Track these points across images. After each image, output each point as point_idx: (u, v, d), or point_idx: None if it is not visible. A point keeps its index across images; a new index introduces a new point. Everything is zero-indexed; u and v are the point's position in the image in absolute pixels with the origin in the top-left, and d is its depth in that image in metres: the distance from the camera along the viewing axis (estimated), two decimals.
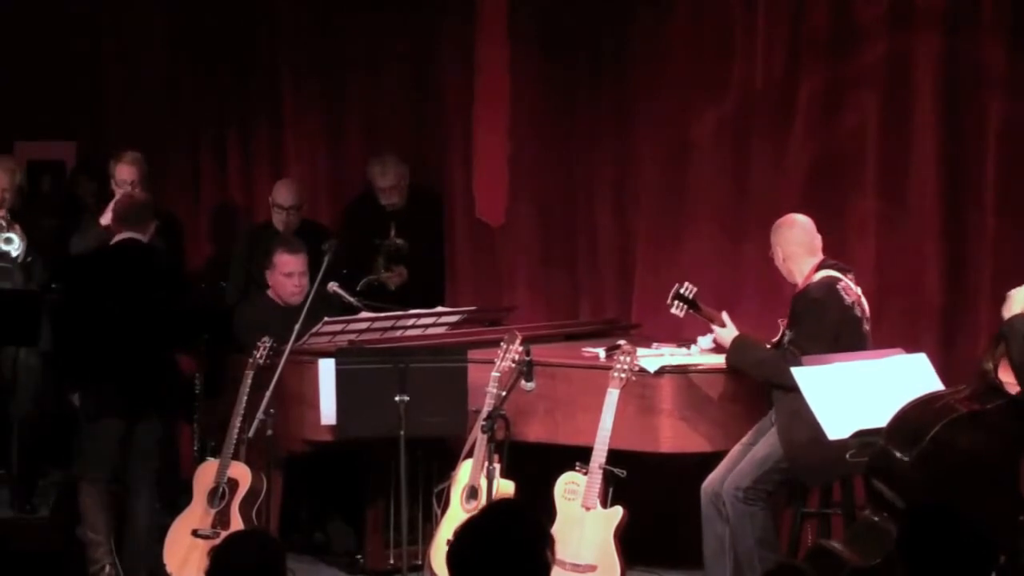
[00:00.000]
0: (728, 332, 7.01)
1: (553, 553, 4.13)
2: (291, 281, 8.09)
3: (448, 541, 4.44)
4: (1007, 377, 5.98)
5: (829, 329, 6.77)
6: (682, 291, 7.07)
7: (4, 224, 8.56)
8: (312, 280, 7.92)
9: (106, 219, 8.34)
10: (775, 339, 6.95)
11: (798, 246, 6.94)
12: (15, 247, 8.53)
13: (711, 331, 7.55)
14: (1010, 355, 5.93)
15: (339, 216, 9.50)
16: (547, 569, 4.08)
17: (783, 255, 6.96)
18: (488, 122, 8.95)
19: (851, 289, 6.88)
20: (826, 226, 7.13)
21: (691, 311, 7.10)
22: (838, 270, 6.91)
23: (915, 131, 7.67)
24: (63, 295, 7.85)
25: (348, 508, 7.99)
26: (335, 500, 8.07)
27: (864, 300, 6.92)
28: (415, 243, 8.98)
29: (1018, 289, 6.05)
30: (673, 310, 7.12)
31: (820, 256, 6.95)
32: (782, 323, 6.93)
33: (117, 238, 7.61)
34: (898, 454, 5.93)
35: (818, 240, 6.96)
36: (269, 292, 8.23)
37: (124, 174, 8.62)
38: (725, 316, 7.05)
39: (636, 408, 7.16)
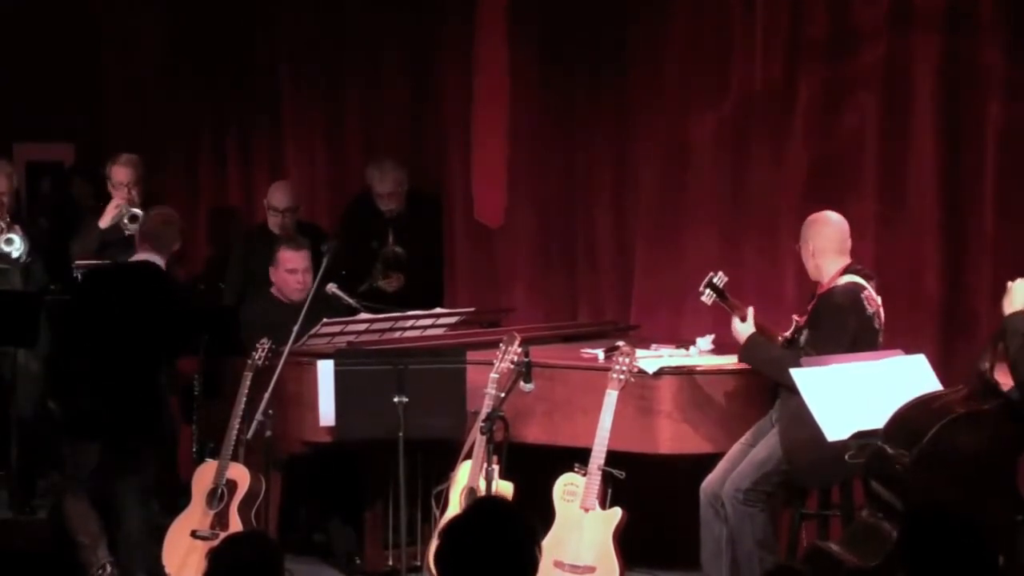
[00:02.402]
0: (745, 328, 6.98)
1: (540, 549, 4.13)
2: (294, 277, 8.14)
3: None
4: (1003, 377, 5.98)
5: (848, 335, 6.75)
6: (715, 280, 7.06)
7: (3, 226, 8.56)
8: (312, 281, 7.93)
9: (105, 221, 8.34)
10: (787, 333, 6.94)
11: (829, 243, 6.92)
12: (16, 247, 8.54)
13: (712, 332, 7.57)
14: (1008, 351, 5.92)
15: (338, 217, 9.50)
16: (535, 565, 4.08)
17: (812, 249, 6.93)
18: (487, 124, 8.95)
19: (873, 299, 6.86)
20: None
21: (719, 300, 7.08)
22: (862, 276, 6.89)
23: (914, 132, 7.67)
24: (68, 304, 7.83)
25: (347, 509, 7.98)
26: (334, 501, 8.06)
27: (882, 311, 6.90)
28: (414, 245, 8.98)
29: (1019, 281, 6.04)
30: (703, 298, 7.09)
31: (848, 259, 6.94)
32: (796, 319, 6.92)
33: (135, 258, 7.60)
34: (896, 455, 5.92)
35: (848, 242, 6.94)
36: (272, 290, 8.25)
37: (120, 176, 8.63)
38: (750, 311, 7.02)
39: (635, 409, 7.15)
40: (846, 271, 6.89)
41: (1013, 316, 5.97)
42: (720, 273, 7.08)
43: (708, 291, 7.07)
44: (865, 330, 6.81)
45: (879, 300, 6.90)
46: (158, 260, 7.51)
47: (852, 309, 6.79)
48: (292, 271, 8.16)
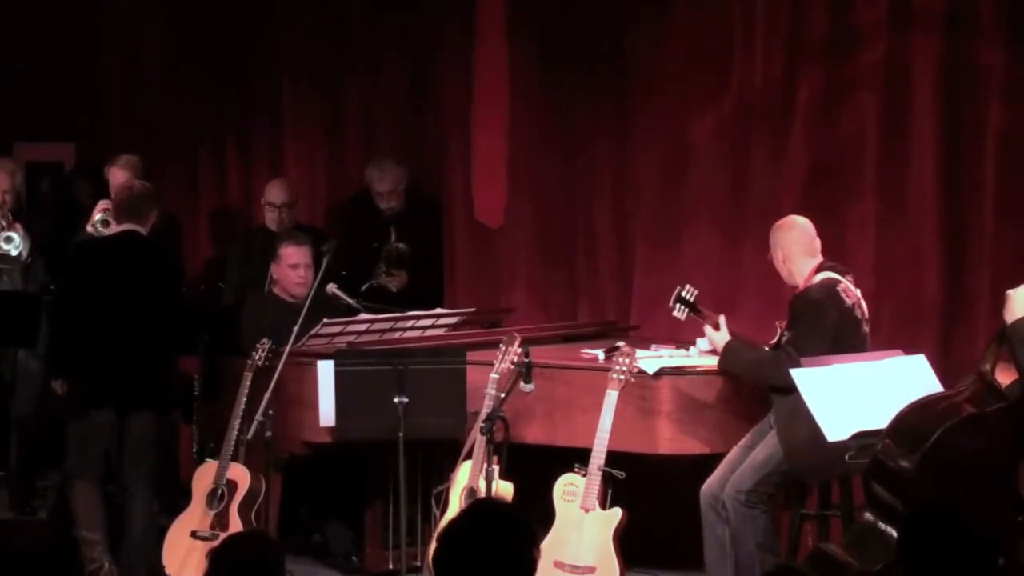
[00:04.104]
0: (720, 336, 6.99)
1: (538, 551, 4.12)
2: (296, 273, 8.14)
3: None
4: (1005, 378, 5.98)
5: (828, 330, 6.76)
6: (684, 294, 7.07)
7: (4, 224, 8.56)
8: (312, 281, 7.93)
9: (111, 229, 8.32)
10: (772, 341, 6.95)
11: (797, 247, 6.94)
12: (15, 245, 8.54)
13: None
14: (1017, 361, 5.91)
15: (337, 217, 9.50)
16: (533, 567, 4.07)
17: (783, 256, 6.96)
18: (487, 123, 8.95)
19: (851, 291, 6.88)
20: (825, 228, 7.13)
21: (692, 314, 7.09)
22: (837, 272, 6.91)
23: (914, 133, 7.67)
24: (61, 285, 7.82)
25: (347, 510, 7.99)
26: (334, 502, 8.06)
27: (863, 302, 6.92)
28: (414, 244, 8.97)
29: (1017, 290, 6.03)
30: (675, 313, 7.11)
31: (819, 258, 6.95)
32: (780, 325, 6.93)
33: (116, 229, 7.60)
34: (899, 458, 5.92)
35: (817, 242, 6.97)
36: (274, 289, 8.26)
37: (118, 178, 8.63)
38: (722, 320, 7.04)
39: (635, 410, 7.15)
40: (820, 270, 6.90)
41: (1018, 323, 5.95)
42: (688, 286, 7.09)
43: (679, 306, 7.07)
44: (847, 321, 6.81)
45: (858, 292, 6.91)
46: (140, 230, 7.52)
47: (829, 302, 6.80)
48: (294, 266, 8.17)
